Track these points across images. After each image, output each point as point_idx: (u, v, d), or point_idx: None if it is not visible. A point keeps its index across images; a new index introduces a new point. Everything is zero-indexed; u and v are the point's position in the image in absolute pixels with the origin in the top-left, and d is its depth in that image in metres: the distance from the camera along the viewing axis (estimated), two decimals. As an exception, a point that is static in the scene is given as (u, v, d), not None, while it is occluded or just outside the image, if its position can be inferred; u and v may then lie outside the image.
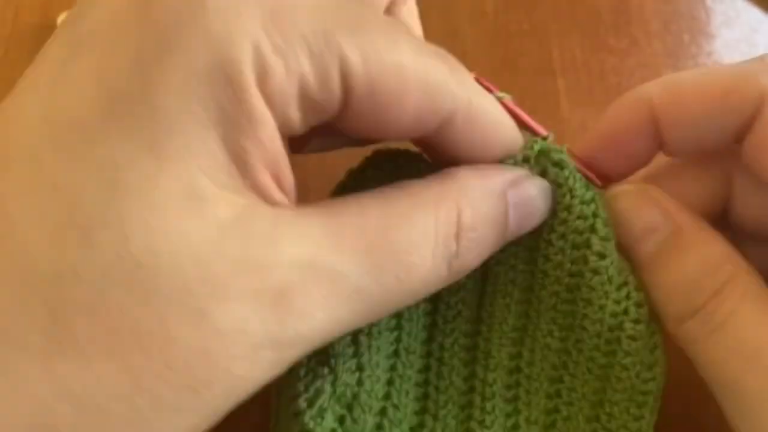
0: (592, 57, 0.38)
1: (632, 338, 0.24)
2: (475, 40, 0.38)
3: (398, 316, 0.25)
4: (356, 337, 0.24)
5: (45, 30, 0.35)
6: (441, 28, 0.38)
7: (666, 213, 0.24)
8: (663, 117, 0.24)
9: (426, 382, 0.26)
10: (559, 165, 0.25)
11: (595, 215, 0.24)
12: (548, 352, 0.26)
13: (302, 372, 0.23)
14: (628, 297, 0.24)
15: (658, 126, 0.25)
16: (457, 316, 0.26)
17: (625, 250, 0.25)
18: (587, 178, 0.25)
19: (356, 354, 0.24)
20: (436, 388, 0.26)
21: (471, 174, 0.23)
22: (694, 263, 0.23)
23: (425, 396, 0.26)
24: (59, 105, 0.18)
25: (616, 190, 0.25)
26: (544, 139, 0.25)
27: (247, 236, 0.18)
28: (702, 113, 0.24)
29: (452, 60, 0.23)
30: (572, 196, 0.24)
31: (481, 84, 0.24)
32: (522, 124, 0.26)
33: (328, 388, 0.23)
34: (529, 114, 0.36)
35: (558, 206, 0.25)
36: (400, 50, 0.21)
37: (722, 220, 0.26)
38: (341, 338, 0.24)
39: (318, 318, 0.19)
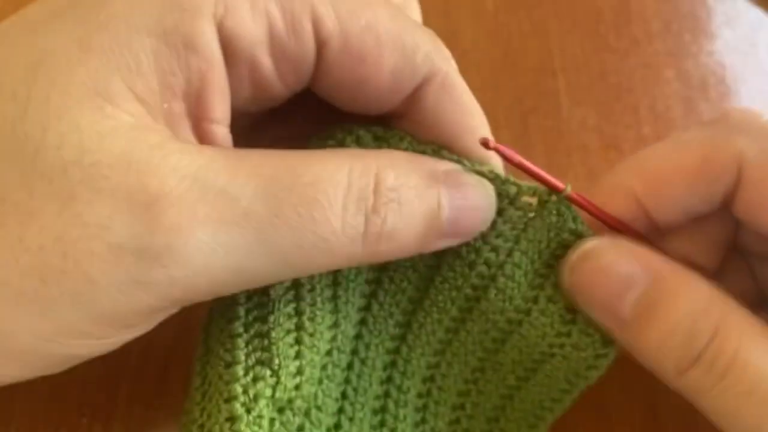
0: (593, 56, 0.37)
1: (548, 376, 0.25)
2: (475, 40, 0.38)
3: (336, 312, 0.24)
4: (300, 336, 0.23)
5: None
6: (441, 27, 0.38)
7: (643, 262, 0.23)
8: (649, 206, 0.24)
9: (347, 381, 0.25)
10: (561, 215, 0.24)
11: (550, 265, 0.25)
12: (464, 368, 0.26)
13: (240, 371, 0.22)
14: (561, 347, 0.25)
15: (647, 212, 0.24)
16: (388, 317, 0.26)
17: (604, 310, 0.24)
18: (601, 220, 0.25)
19: (298, 356, 0.23)
20: (355, 390, 0.25)
21: (403, 152, 0.22)
22: (683, 308, 0.22)
23: (344, 396, 0.25)
24: (27, 11, 0.20)
25: (587, 246, 0.24)
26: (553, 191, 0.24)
27: (137, 140, 0.18)
28: (684, 193, 0.23)
29: (437, 37, 0.23)
30: (548, 245, 0.24)
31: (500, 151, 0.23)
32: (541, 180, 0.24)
33: (268, 392, 0.22)
34: (530, 113, 0.36)
35: (527, 242, 0.24)
36: (375, 9, 0.21)
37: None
38: (285, 336, 0.23)
39: (197, 237, 0.18)
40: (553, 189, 0.24)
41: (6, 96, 0.18)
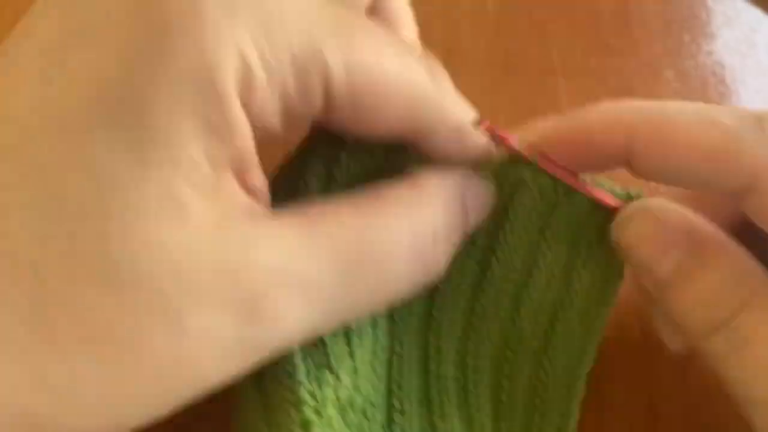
0: (593, 57, 0.38)
1: (566, 328, 0.27)
2: (475, 40, 0.38)
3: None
4: (349, 336, 0.24)
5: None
6: (441, 27, 0.38)
7: (685, 227, 0.24)
8: (640, 154, 0.23)
9: (389, 378, 0.26)
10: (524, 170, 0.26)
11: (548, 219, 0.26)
12: (490, 346, 0.27)
13: (303, 377, 0.23)
14: (568, 286, 0.26)
15: (632, 155, 0.24)
16: (410, 312, 0.27)
17: (644, 269, 0.25)
18: (563, 178, 0.25)
19: (351, 355, 0.24)
20: (399, 385, 0.26)
21: (436, 181, 0.24)
22: (715, 278, 0.23)
23: (389, 391, 0.26)
24: (51, 97, 0.18)
25: (631, 208, 0.25)
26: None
27: (224, 242, 0.19)
28: (684, 167, 0.23)
29: (437, 69, 0.23)
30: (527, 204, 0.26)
31: (494, 134, 0.25)
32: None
33: (332, 394, 0.23)
34: (529, 114, 0.36)
35: (512, 212, 0.26)
36: (383, 54, 0.21)
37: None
38: (336, 338, 0.24)
39: (290, 323, 0.20)
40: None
41: (80, 221, 0.18)
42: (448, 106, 0.23)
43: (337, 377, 0.23)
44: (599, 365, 0.30)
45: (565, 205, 0.26)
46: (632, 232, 0.24)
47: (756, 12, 0.39)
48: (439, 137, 0.23)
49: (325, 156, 0.24)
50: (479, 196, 0.25)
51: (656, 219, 0.24)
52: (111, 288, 0.18)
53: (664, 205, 0.25)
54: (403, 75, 0.21)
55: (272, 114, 0.20)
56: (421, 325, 0.27)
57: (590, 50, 0.38)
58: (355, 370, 0.23)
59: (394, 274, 0.22)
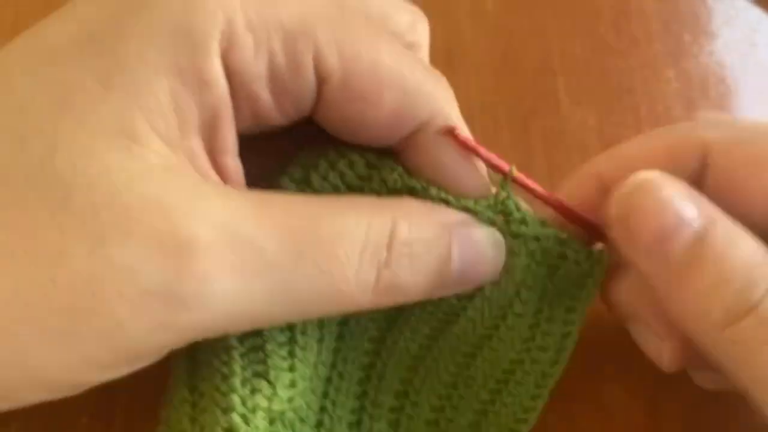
0: (593, 56, 0.37)
1: (519, 383, 0.26)
2: (475, 40, 0.38)
3: (322, 326, 0.25)
4: (292, 349, 0.23)
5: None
6: (441, 27, 0.38)
7: (699, 204, 0.21)
8: (716, 183, 0.24)
9: (326, 395, 0.26)
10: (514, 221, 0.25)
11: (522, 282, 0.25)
12: (437, 384, 0.27)
13: (237, 382, 0.22)
14: (528, 351, 0.26)
15: (707, 179, 0.24)
16: (363, 332, 0.26)
17: (651, 247, 0.22)
18: (588, 227, 0.25)
19: (292, 368, 0.23)
20: (333, 403, 0.26)
21: (417, 201, 0.23)
22: (741, 256, 0.20)
23: (323, 409, 0.26)
24: (42, 36, 0.20)
25: (642, 176, 0.22)
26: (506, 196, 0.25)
27: (168, 184, 0.19)
28: (761, 197, 0.23)
29: (442, 79, 0.23)
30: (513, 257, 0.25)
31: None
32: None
33: (265, 404, 0.22)
34: (529, 113, 0.36)
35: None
36: (379, 49, 0.21)
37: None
38: (279, 349, 0.23)
39: (223, 285, 0.19)
40: (498, 172, 0.24)
41: (33, 131, 0.18)
42: (441, 104, 0.23)
43: (273, 388, 0.22)
44: (600, 365, 0.30)
45: (542, 258, 0.25)
46: (637, 206, 0.22)
47: (757, 11, 0.39)
48: (428, 137, 0.23)
49: (305, 160, 0.24)
50: (477, 241, 0.23)
51: (668, 191, 0.22)
52: (47, 196, 0.18)
53: (673, 178, 0.22)
54: (399, 67, 0.22)
55: (257, 78, 0.20)
56: (372, 347, 0.27)
57: (590, 49, 0.38)
58: (293, 384, 0.23)
59: (345, 268, 0.21)
